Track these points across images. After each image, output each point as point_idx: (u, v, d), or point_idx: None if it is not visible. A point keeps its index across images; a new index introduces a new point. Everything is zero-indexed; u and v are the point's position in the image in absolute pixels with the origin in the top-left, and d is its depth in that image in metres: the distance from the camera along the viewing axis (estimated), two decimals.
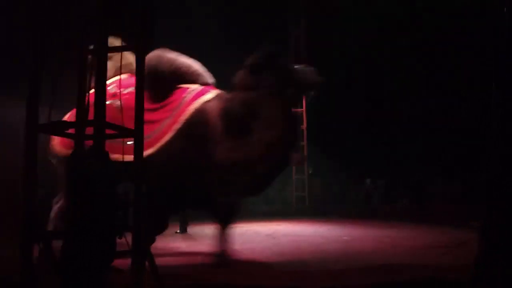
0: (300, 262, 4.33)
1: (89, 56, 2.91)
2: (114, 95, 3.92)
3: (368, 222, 8.75)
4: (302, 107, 12.79)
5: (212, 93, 4.34)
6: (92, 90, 2.68)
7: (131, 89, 3.49)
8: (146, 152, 3.39)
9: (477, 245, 1.78)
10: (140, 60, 2.95)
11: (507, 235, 1.69)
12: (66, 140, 3.84)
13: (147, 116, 3.20)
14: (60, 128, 3.07)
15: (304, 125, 12.78)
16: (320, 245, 5.69)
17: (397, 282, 3.19)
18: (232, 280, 3.39)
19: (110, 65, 3.24)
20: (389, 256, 4.54)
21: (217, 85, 4.57)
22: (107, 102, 2.65)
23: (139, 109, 2.86)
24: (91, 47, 2.87)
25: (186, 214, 6.93)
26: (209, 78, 4.56)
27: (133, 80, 3.17)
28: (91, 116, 2.57)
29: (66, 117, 4.24)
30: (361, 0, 11.89)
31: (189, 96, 4.25)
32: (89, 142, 2.58)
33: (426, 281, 3.15)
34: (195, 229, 7.19)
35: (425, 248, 5.20)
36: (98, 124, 2.55)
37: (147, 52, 3.60)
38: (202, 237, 6.28)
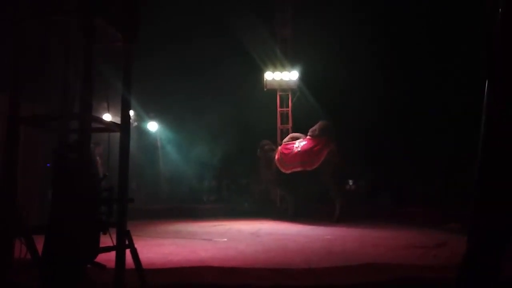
0: (284, 261, 4.33)
1: None
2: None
3: (350, 221, 8.83)
4: (288, 107, 12.82)
5: None
6: None
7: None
8: None
9: (465, 245, 1.79)
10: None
11: (495, 235, 1.70)
12: None
13: None
14: (42, 122, 3.00)
15: (290, 124, 12.82)
16: (304, 244, 5.72)
17: (381, 282, 3.22)
18: (218, 279, 3.37)
19: None
20: (371, 256, 4.59)
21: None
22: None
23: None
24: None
25: None
26: None
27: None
28: None
29: None
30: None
31: None
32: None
33: (409, 281, 3.19)
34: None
35: (406, 248, 5.27)
36: (83, 117, 2.50)
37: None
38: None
